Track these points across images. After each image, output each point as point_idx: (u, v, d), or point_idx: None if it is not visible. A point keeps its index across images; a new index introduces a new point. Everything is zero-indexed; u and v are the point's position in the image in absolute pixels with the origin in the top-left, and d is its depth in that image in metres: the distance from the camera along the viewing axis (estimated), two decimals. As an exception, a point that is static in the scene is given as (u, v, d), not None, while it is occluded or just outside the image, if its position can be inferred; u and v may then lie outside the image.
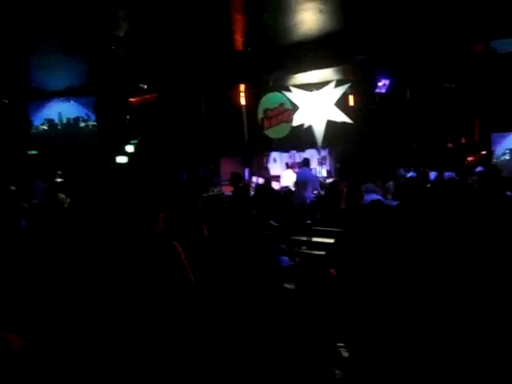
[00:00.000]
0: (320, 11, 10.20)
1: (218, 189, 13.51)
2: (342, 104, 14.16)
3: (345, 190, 9.10)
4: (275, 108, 14.94)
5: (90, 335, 3.99)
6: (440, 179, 10.61)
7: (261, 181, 13.80)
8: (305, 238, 8.23)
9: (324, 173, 14.46)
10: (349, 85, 14.02)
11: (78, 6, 8.87)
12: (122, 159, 16.98)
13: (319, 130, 14.46)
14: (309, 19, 10.81)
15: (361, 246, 5.04)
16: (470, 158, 12.60)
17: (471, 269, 4.52)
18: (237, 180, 11.17)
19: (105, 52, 11.70)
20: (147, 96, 16.19)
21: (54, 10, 8.95)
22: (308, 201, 11.15)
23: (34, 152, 17.52)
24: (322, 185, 12.50)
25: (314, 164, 14.03)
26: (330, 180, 13.35)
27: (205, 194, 11.94)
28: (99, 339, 4.00)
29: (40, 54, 12.09)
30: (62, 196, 9.56)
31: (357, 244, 5.09)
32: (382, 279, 4.74)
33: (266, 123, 15.11)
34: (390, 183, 10.23)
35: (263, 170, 14.88)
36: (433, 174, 11.45)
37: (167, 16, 10.03)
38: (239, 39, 12.21)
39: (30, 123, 17.71)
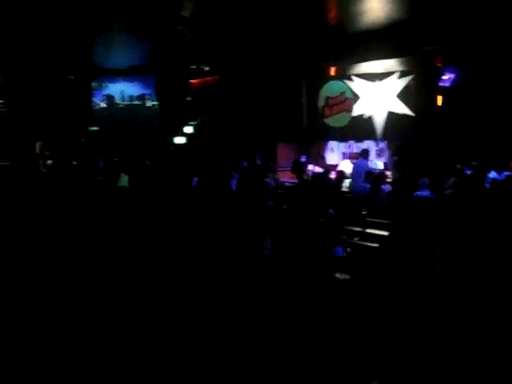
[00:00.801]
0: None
1: (274, 175, 13.46)
2: (404, 96, 13.87)
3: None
4: (336, 96, 14.79)
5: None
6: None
7: (317, 169, 13.72)
8: (358, 229, 8.19)
9: (381, 165, 14.22)
10: (412, 76, 13.71)
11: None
12: (180, 140, 17.18)
13: (379, 121, 14.22)
14: (376, 7, 10.62)
15: (424, 241, 4.94)
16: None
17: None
18: (298, 168, 11.04)
19: (170, 32, 11.79)
20: (208, 78, 16.28)
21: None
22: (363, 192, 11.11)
23: (94, 128, 17.88)
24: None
25: (371, 156, 13.79)
26: (387, 173, 13.18)
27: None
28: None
29: (105, 32, 12.27)
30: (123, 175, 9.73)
31: (419, 239, 4.98)
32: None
33: (327, 111, 14.98)
34: (452, 179, 10.00)
35: (320, 159, 14.77)
36: (492, 174, 11.19)
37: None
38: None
39: (91, 100, 18.06)
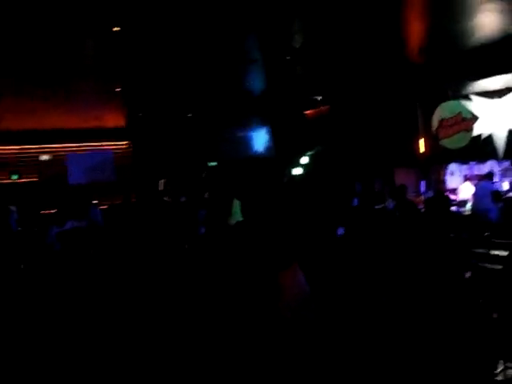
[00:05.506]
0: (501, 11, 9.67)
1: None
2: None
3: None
4: (451, 117, 14.32)
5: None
6: None
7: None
8: (481, 251, 7.87)
9: (506, 186, 13.52)
10: (535, 91, 13.05)
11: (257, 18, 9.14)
12: (297, 171, 17.35)
13: (500, 140, 13.58)
14: (488, 21, 10.27)
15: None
16: None
17: None
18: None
19: (281, 63, 11.99)
20: (323, 108, 16.39)
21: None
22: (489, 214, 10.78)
23: (213, 163, 18.44)
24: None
25: (495, 177, 13.21)
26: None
27: (377, 206, 11.81)
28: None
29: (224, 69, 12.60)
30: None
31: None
32: None
33: (441, 133, 14.50)
34: None
35: (440, 184, 14.43)
36: None
37: (340, 30, 10.11)
38: (413, 48, 11.95)
39: (221, 136, 18.62)
